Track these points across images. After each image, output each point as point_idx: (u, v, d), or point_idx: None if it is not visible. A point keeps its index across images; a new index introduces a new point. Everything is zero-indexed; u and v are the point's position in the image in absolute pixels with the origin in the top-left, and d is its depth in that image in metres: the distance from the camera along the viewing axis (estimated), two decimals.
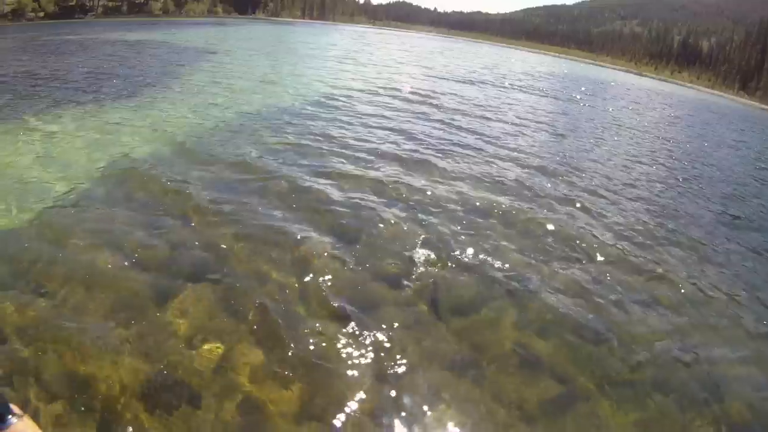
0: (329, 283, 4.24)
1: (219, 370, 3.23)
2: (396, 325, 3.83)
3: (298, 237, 4.93)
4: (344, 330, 3.68)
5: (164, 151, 7.41)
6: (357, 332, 3.67)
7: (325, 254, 4.69)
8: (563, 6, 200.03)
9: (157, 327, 3.53)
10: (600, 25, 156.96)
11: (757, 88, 67.10)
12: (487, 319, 4.14)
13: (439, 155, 8.99)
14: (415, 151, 9.03)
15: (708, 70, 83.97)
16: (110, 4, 51.55)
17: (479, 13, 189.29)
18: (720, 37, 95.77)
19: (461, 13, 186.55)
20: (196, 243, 4.68)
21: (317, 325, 3.71)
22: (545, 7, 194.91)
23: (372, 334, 3.67)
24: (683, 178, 10.84)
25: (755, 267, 6.30)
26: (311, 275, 4.31)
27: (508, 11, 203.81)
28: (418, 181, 7.25)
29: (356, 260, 4.66)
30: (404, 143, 9.51)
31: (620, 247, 6.00)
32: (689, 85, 75.91)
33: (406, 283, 4.43)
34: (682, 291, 5.20)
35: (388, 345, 3.60)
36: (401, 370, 3.40)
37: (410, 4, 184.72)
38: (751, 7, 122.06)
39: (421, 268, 4.69)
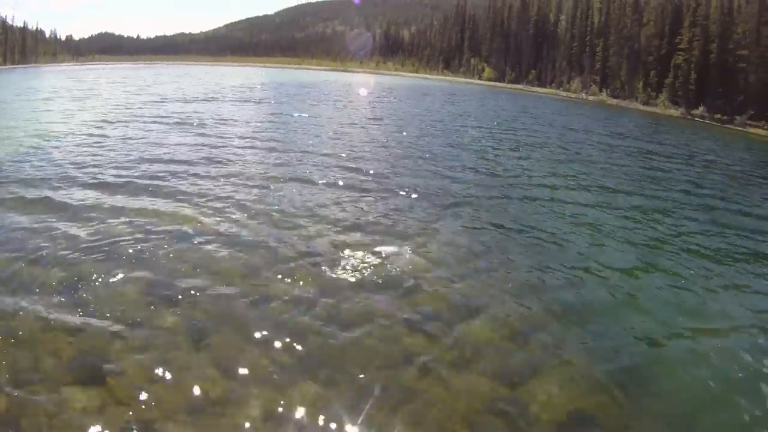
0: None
1: None
2: None
3: None
4: None
5: None
6: None
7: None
8: (265, 16, 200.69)
9: None
10: (303, 30, 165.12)
11: (460, 65, 75.30)
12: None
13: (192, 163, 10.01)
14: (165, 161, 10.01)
15: (412, 56, 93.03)
16: None
17: (182, 34, 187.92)
18: (420, 25, 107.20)
19: (165, 36, 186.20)
20: None
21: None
22: (247, 19, 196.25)
23: None
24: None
25: None
26: None
27: (210, 29, 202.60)
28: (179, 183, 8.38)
29: None
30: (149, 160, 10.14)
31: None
32: (394, 72, 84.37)
33: None
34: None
35: None
36: None
37: (113, 35, 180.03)
38: None
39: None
